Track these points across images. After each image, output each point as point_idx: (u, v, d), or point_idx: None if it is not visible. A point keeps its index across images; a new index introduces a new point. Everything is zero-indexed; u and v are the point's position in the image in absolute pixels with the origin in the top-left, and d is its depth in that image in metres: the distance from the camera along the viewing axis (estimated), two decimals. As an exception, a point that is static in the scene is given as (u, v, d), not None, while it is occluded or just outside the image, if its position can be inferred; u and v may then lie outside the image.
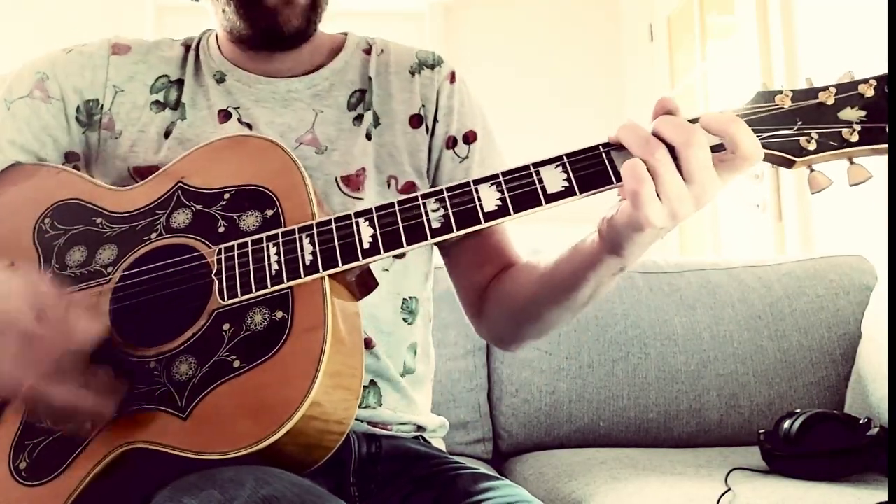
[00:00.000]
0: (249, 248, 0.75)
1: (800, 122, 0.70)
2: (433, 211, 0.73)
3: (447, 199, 0.73)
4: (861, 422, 1.27)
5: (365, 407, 0.90)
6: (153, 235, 0.80)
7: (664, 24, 3.34)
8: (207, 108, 0.94)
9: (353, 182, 0.92)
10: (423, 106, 0.97)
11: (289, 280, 0.73)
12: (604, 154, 0.71)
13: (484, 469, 0.91)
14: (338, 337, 0.70)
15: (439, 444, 1.00)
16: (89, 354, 0.71)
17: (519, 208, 0.71)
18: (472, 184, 0.72)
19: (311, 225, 0.75)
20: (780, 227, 2.31)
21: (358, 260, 0.73)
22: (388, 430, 0.92)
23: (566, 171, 0.70)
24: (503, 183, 0.72)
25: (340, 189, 0.92)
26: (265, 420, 0.66)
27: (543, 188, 0.70)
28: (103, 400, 0.70)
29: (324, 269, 0.72)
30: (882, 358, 1.48)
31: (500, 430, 1.63)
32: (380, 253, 0.72)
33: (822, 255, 1.80)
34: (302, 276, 0.73)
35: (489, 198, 0.71)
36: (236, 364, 0.70)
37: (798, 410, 1.31)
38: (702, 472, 1.29)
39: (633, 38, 3.56)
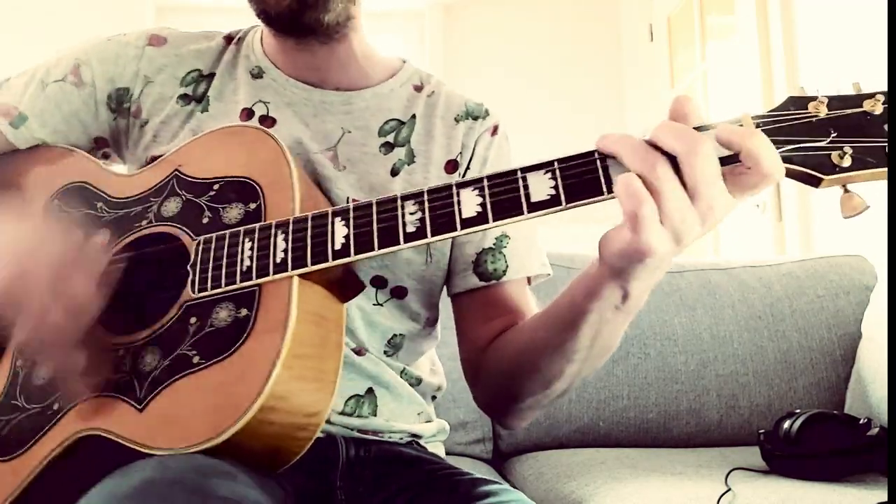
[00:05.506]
0: (226, 242, 0.74)
1: (834, 135, 0.62)
2: (410, 214, 0.69)
3: (426, 202, 0.68)
4: (861, 422, 1.27)
5: (357, 416, 0.87)
6: (144, 223, 0.80)
7: (664, 24, 3.34)
8: (234, 102, 0.93)
9: None
10: (461, 153, 0.94)
11: (258, 277, 0.71)
12: (598, 161, 0.64)
13: (480, 473, 0.89)
14: (301, 340, 0.68)
15: (437, 448, 0.98)
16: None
17: (498, 216, 0.66)
18: (454, 186, 0.68)
19: (288, 221, 0.72)
20: (780, 227, 2.32)
21: (327, 261, 0.69)
22: (378, 436, 0.89)
23: (555, 179, 0.65)
24: (486, 188, 0.67)
25: None
26: (214, 420, 0.64)
27: (528, 195, 0.65)
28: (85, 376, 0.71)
29: (293, 269, 0.70)
30: (882, 358, 1.48)
31: (500, 430, 1.63)
32: (349, 255, 0.69)
33: (822, 255, 1.81)
34: (270, 273, 0.70)
35: (469, 203, 0.67)
36: (196, 360, 0.68)
37: (798, 410, 1.31)
38: (702, 472, 1.29)
39: (633, 38, 3.56)
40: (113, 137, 0.96)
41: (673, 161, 0.60)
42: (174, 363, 0.69)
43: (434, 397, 1.00)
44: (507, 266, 0.91)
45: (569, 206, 0.64)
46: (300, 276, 0.70)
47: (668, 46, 3.32)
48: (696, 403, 1.62)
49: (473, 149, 0.95)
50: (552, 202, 0.64)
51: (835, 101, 0.63)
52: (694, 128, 0.62)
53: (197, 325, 0.71)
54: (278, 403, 0.65)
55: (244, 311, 0.69)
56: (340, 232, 0.70)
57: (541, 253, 0.96)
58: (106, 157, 0.98)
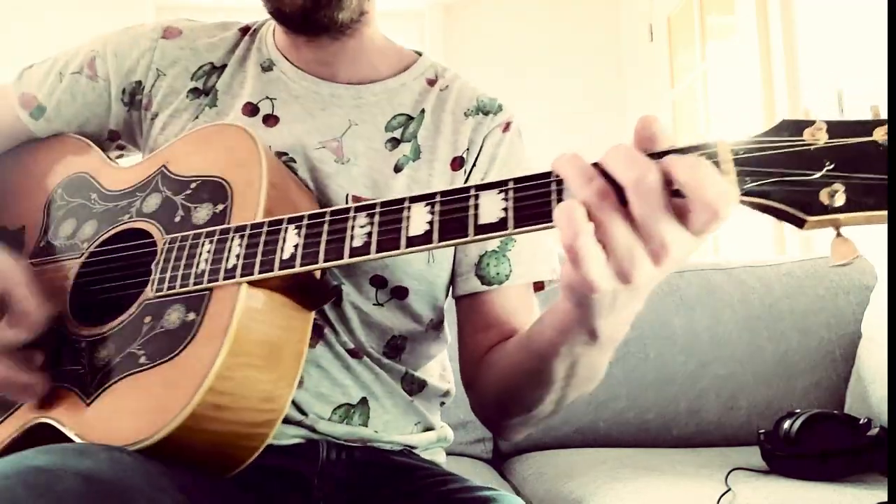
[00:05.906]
0: (188, 242, 0.73)
1: (829, 167, 0.51)
2: (360, 227, 0.65)
3: (378, 215, 0.65)
4: (861, 422, 1.27)
5: (346, 424, 0.84)
6: (126, 217, 0.81)
7: (664, 24, 3.34)
8: (239, 97, 0.92)
9: None
10: (468, 149, 0.90)
11: (209, 282, 0.70)
12: (554, 183, 0.58)
13: (480, 474, 0.86)
14: (245, 350, 0.67)
15: (436, 454, 0.94)
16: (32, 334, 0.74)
17: (443, 238, 0.61)
18: (406, 200, 0.64)
19: (246, 226, 0.71)
20: (780, 227, 2.31)
21: (272, 270, 0.67)
22: (366, 444, 0.86)
23: (507, 200, 0.60)
24: (438, 204, 0.62)
25: None
26: (144, 423, 0.64)
27: (476, 216, 0.60)
28: (35, 377, 0.72)
29: (241, 275, 0.68)
30: (882, 358, 1.48)
31: (500, 431, 1.63)
32: (294, 266, 0.67)
33: (822, 255, 1.81)
34: (220, 279, 0.69)
35: (419, 220, 0.63)
36: (142, 360, 0.69)
37: (798, 410, 1.31)
38: (702, 472, 1.29)
39: (633, 38, 3.56)
40: (127, 130, 0.96)
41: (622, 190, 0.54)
42: (123, 361, 0.70)
43: (443, 403, 0.96)
44: (510, 270, 0.87)
45: (516, 230, 0.59)
46: (253, 283, 0.68)
47: (668, 46, 3.31)
48: (695, 404, 1.62)
49: (481, 145, 0.90)
50: (499, 226, 0.59)
51: (837, 128, 0.52)
52: (660, 152, 0.55)
53: (150, 324, 0.71)
54: (213, 412, 0.65)
55: (192, 315, 0.69)
56: (292, 241, 0.68)
57: (550, 256, 0.91)
58: (121, 148, 0.99)
